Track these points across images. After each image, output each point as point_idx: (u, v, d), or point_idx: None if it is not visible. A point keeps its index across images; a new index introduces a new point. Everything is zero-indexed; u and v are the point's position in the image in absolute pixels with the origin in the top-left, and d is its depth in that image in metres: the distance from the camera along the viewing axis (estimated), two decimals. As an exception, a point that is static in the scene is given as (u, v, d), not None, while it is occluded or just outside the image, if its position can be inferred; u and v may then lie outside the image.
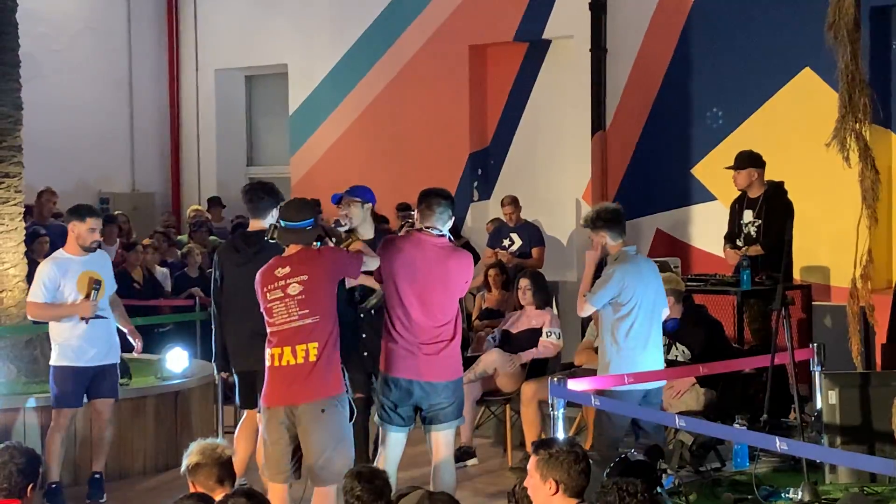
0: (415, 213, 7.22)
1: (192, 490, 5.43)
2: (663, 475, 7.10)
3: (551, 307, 10.08)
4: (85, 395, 8.58)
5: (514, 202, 12.79)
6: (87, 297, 8.40)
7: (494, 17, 14.12)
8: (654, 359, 7.77)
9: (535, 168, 14.19)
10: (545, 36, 13.88)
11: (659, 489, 6.85)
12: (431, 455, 7.15)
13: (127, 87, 16.99)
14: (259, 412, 7.03)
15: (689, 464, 7.94)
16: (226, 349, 7.96)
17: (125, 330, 8.88)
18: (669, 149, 12.94)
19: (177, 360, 9.74)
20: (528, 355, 9.51)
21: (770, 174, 10.51)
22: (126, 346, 10.30)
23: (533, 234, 12.81)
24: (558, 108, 13.93)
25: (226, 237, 13.34)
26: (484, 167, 14.59)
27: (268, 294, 6.55)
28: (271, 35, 16.18)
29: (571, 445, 4.93)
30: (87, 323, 8.40)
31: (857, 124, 8.57)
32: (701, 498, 7.31)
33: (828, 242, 11.31)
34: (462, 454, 9.20)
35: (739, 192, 10.47)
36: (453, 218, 7.22)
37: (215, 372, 8.29)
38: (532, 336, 9.60)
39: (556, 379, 7.15)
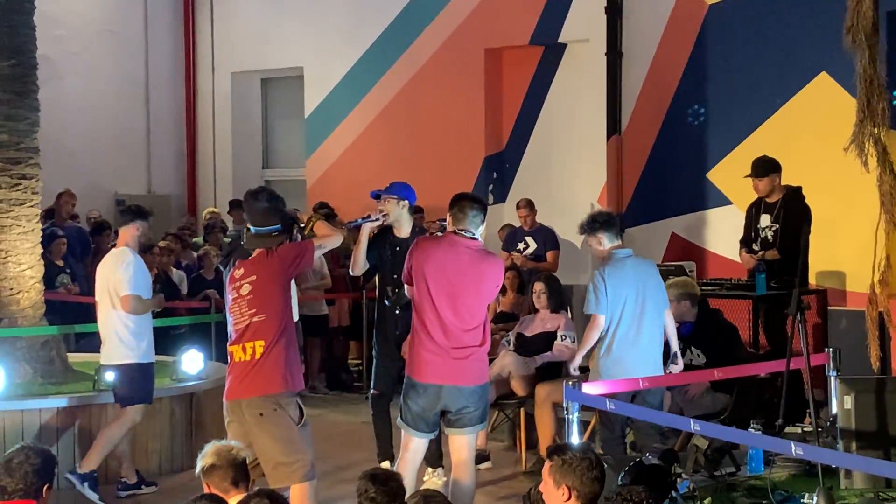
0: (446, 217, 7.23)
1: (206, 491, 5.44)
2: (678, 479, 7.10)
3: (566, 311, 10.07)
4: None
5: (529, 205, 12.79)
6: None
7: (510, 20, 14.12)
8: (644, 358, 7.83)
9: (550, 171, 14.18)
10: (561, 39, 13.88)
11: (674, 493, 6.84)
12: (452, 457, 7.16)
13: (143, 90, 17.04)
14: None
15: (703, 468, 7.94)
16: None
17: None
18: (685, 153, 12.91)
19: (192, 361, 9.76)
20: (542, 359, 9.51)
21: (785, 179, 10.51)
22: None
23: (548, 238, 12.81)
24: (574, 112, 13.92)
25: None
26: (499, 170, 14.59)
27: (229, 295, 6.84)
28: (287, 38, 16.21)
29: (585, 452, 4.92)
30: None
31: (876, 129, 8.54)
32: (716, 502, 7.31)
33: (843, 247, 11.27)
34: (476, 457, 9.19)
35: (757, 197, 10.46)
36: (485, 223, 7.23)
37: None
38: (546, 339, 9.60)
39: (570, 382, 7.15)
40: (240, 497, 5.16)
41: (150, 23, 17.05)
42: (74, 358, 10.44)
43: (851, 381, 7.89)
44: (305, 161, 16.24)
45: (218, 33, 17.10)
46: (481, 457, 9.24)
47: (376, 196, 8.44)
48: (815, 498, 7.00)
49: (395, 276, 8.24)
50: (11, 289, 9.69)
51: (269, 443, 6.60)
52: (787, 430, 8.54)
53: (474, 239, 7.08)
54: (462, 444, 7.10)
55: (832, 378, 8.02)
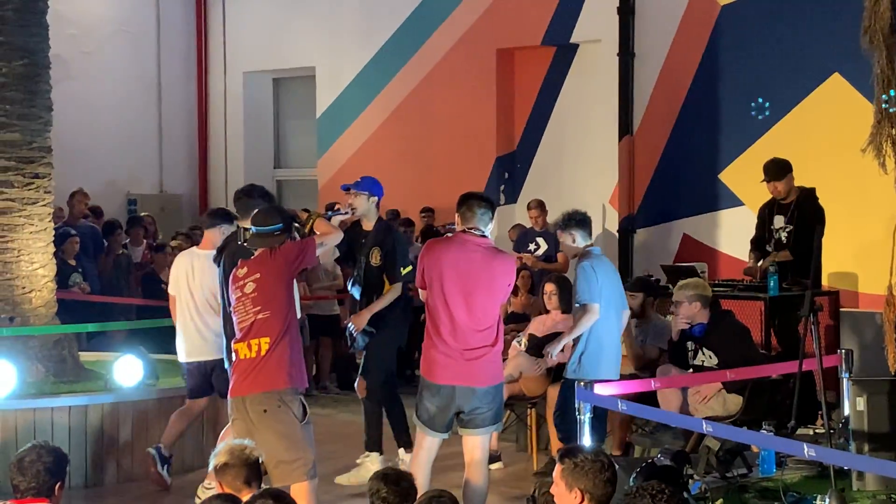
0: (455, 219, 7.28)
1: (219, 490, 5.45)
2: (690, 481, 7.09)
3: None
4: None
5: (540, 206, 12.78)
6: None
7: (522, 20, 14.11)
8: (616, 355, 8.21)
9: (561, 172, 14.17)
10: (573, 40, 13.87)
11: (685, 494, 6.83)
12: (465, 457, 7.17)
13: (156, 90, 17.07)
14: None
15: (715, 469, 7.91)
16: None
17: None
18: (697, 154, 12.90)
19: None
20: (552, 360, 9.50)
21: (797, 180, 10.48)
22: (156, 348, 10.41)
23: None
24: (585, 113, 13.91)
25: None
26: (511, 171, 14.59)
27: (233, 295, 6.92)
28: (299, 38, 16.22)
29: (597, 454, 4.92)
30: None
31: (894, 130, 8.51)
32: (727, 504, 7.29)
33: (856, 249, 11.25)
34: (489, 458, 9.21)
35: (769, 198, 10.44)
36: (493, 221, 7.29)
37: None
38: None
39: (582, 383, 7.14)
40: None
41: (162, 23, 17.08)
42: (86, 357, 10.47)
43: (864, 382, 7.86)
44: (317, 161, 16.26)
45: (230, 33, 17.12)
46: (492, 457, 9.22)
47: (346, 189, 8.75)
48: (827, 500, 6.97)
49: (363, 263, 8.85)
50: (24, 287, 9.71)
51: (273, 440, 6.63)
52: (800, 431, 8.51)
53: (485, 237, 7.12)
54: (475, 444, 7.11)
55: (845, 380, 7.99)
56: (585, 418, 6.97)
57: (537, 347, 9.65)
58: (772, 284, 9.95)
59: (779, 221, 10.34)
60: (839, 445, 7.65)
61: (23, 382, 9.11)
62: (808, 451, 5.94)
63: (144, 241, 14.19)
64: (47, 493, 5.32)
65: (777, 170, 10.37)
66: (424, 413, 7.10)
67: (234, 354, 6.91)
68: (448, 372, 6.99)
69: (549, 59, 14.28)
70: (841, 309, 10.63)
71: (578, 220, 8.20)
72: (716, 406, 8.65)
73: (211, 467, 5.55)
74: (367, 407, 9.01)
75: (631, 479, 6.41)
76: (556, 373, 9.50)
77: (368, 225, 9.03)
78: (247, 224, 7.61)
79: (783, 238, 10.32)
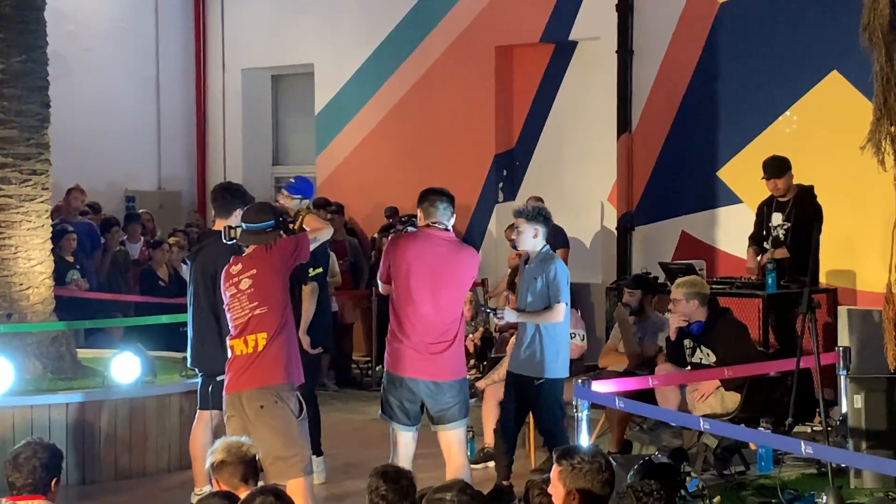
0: (417, 214, 7.39)
1: (216, 488, 5.44)
2: (687, 478, 7.09)
3: (575, 309, 10.06)
4: None
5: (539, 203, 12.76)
6: None
7: (521, 18, 14.10)
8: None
9: (560, 170, 14.16)
10: (572, 37, 13.86)
11: (683, 492, 6.84)
12: (444, 453, 7.28)
13: (154, 86, 17.05)
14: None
15: (713, 467, 7.93)
16: None
17: None
18: (695, 151, 12.89)
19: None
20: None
21: (797, 178, 10.49)
22: (153, 345, 10.41)
23: (557, 236, 12.76)
24: (584, 110, 13.90)
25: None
26: (509, 168, 14.58)
27: (227, 291, 6.89)
28: (298, 35, 16.21)
29: (594, 455, 4.90)
30: None
31: (893, 127, 8.50)
32: (725, 501, 7.29)
33: (854, 246, 11.25)
34: (485, 456, 9.21)
35: (768, 195, 10.44)
36: (454, 216, 7.39)
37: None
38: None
39: (580, 380, 7.15)
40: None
41: (161, 19, 17.07)
42: (84, 354, 10.45)
43: (862, 380, 7.87)
44: (315, 158, 16.25)
45: (229, 30, 17.11)
46: (490, 455, 9.24)
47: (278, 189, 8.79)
48: (824, 497, 6.98)
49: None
50: (21, 284, 9.69)
51: (269, 436, 6.62)
52: (797, 429, 8.52)
53: (448, 231, 7.25)
54: (450, 439, 7.25)
55: (842, 377, 8.00)
56: (583, 416, 6.98)
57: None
58: (770, 282, 9.95)
59: (777, 219, 10.34)
60: (837, 443, 7.67)
61: (20, 379, 9.10)
62: (806, 449, 5.95)
63: (142, 237, 14.18)
64: (43, 489, 5.33)
65: (776, 167, 10.38)
66: (389, 408, 7.23)
67: (229, 351, 6.89)
68: (413, 365, 7.12)
69: (548, 57, 14.27)
70: (839, 306, 10.62)
71: (546, 217, 8.05)
72: (714, 403, 8.65)
73: (207, 465, 5.53)
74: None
75: (629, 477, 6.41)
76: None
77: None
78: (228, 222, 7.60)
79: (781, 235, 10.32)
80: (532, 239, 7.98)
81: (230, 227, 7.03)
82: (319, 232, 7.29)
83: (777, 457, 8.17)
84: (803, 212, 10.22)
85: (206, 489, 6.67)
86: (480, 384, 9.94)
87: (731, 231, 12.33)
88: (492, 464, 9.20)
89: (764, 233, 10.53)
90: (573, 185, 13.95)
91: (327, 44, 15.92)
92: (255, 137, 17.25)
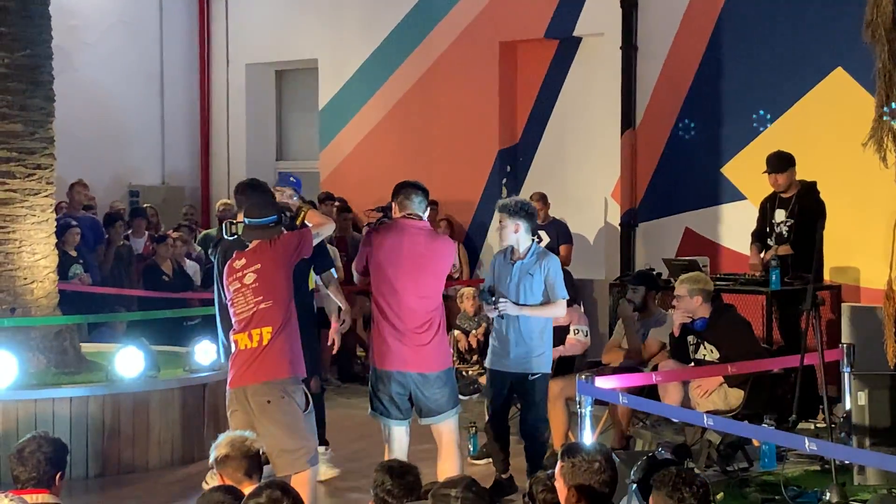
0: (393, 206, 7.51)
1: (219, 482, 5.44)
2: (690, 474, 7.06)
3: (578, 305, 10.06)
4: None
5: (542, 199, 12.77)
6: None
7: (525, 13, 14.09)
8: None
9: (564, 165, 14.16)
10: (576, 33, 13.85)
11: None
12: (437, 445, 7.40)
13: (158, 81, 17.05)
14: None
15: (716, 463, 7.93)
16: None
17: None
18: (699, 147, 12.88)
19: (205, 352, 9.77)
20: (554, 352, 9.50)
21: (800, 174, 10.49)
22: (157, 340, 10.40)
23: (561, 232, 12.80)
24: (588, 106, 13.89)
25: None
26: (513, 164, 14.57)
27: (230, 286, 6.94)
28: (302, 30, 16.21)
29: (595, 454, 4.89)
30: None
31: (894, 124, 8.51)
32: (728, 498, 7.30)
33: (858, 243, 11.24)
34: (488, 451, 9.21)
35: (771, 192, 10.43)
36: (429, 209, 7.61)
37: None
38: (559, 333, 9.57)
39: (583, 377, 7.15)
40: (253, 488, 5.16)
41: (164, 14, 17.06)
42: (88, 348, 10.47)
43: (865, 377, 7.87)
44: (319, 153, 16.24)
45: (232, 25, 17.10)
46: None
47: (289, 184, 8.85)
48: (828, 494, 6.99)
49: None
50: (26, 278, 9.70)
51: (275, 430, 6.67)
52: (801, 425, 8.52)
53: (422, 220, 7.40)
54: (441, 431, 7.35)
55: (846, 374, 8.00)
56: (586, 412, 6.99)
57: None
58: (773, 278, 9.95)
59: (779, 215, 10.35)
60: (840, 440, 7.67)
61: (24, 373, 9.11)
62: (809, 446, 5.95)
63: (147, 232, 14.20)
64: (47, 483, 5.33)
65: (779, 162, 10.37)
66: (380, 404, 7.33)
67: (233, 345, 6.93)
68: (400, 357, 7.22)
69: (552, 53, 14.26)
70: (843, 303, 10.63)
71: (529, 213, 8.10)
72: (717, 400, 8.65)
73: (211, 459, 5.54)
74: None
75: (632, 473, 6.41)
76: (557, 367, 9.50)
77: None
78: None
79: (784, 232, 10.32)
80: (513, 234, 8.04)
81: (231, 223, 7.07)
82: (322, 227, 7.39)
83: (780, 453, 8.18)
84: (806, 208, 10.22)
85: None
86: (483, 380, 9.94)
87: (735, 228, 12.32)
88: (496, 460, 9.22)
89: (767, 229, 10.53)
90: (577, 181, 13.95)
91: (331, 39, 15.91)
92: (258, 133, 17.25)
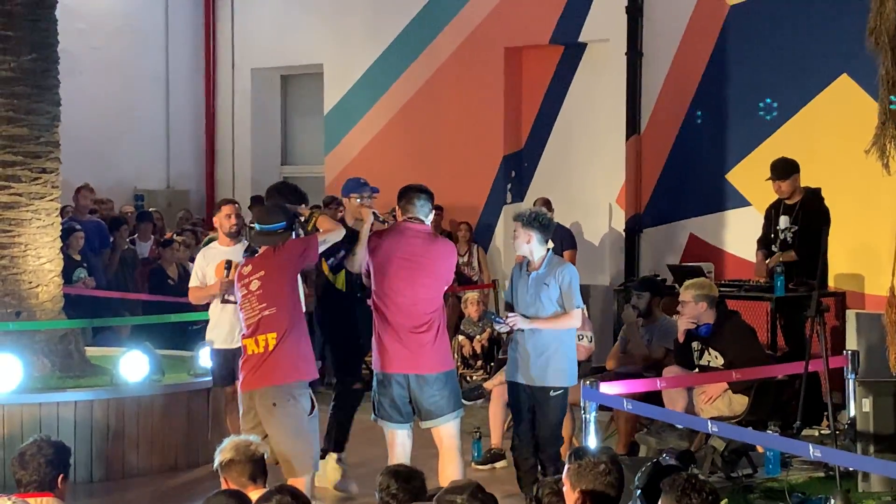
0: (396, 210, 7.56)
1: (224, 486, 5.44)
2: (694, 480, 7.06)
3: (583, 310, 10.04)
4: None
5: (547, 205, 12.74)
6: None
7: (530, 19, 14.10)
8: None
9: (568, 171, 14.16)
10: (581, 39, 13.86)
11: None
12: (438, 448, 7.37)
13: (164, 85, 17.07)
14: None
15: (720, 469, 7.92)
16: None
17: None
18: (704, 154, 12.89)
19: (209, 357, 9.76)
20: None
21: (805, 181, 10.48)
22: (161, 344, 10.39)
23: (565, 238, 12.77)
24: (593, 112, 13.90)
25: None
26: (518, 169, 14.58)
27: (238, 292, 7.07)
28: (307, 35, 16.23)
29: (601, 457, 4.88)
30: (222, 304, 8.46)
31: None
32: (732, 504, 7.29)
33: (862, 250, 11.23)
34: (493, 456, 9.22)
35: (776, 198, 10.43)
36: (433, 212, 7.63)
37: None
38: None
39: (588, 382, 7.15)
40: (258, 493, 5.16)
41: (170, 18, 17.09)
42: (92, 352, 10.48)
43: (870, 383, 7.87)
44: (324, 158, 16.26)
45: (238, 30, 17.13)
46: (498, 455, 9.25)
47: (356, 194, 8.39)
48: (832, 501, 6.98)
49: None
50: (31, 282, 9.71)
51: (280, 434, 6.78)
52: (805, 432, 8.52)
53: (424, 224, 7.44)
54: (441, 434, 7.34)
55: (850, 381, 8.00)
56: (591, 417, 6.99)
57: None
58: (778, 285, 9.95)
59: (784, 222, 10.34)
60: (844, 446, 7.66)
61: (29, 377, 9.11)
62: (814, 452, 5.95)
63: (152, 236, 14.21)
64: (50, 486, 5.33)
65: (783, 169, 10.37)
66: (382, 408, 7.34)
67: (243, 350, 7.04)
68: (399, 358, 7.24)
69: (557, 59, 14.27)
70: (847, 310, 10.62)
71: (542, 224, 7.80)
72: (721, 406, 8.64)
73: (216, 464, 5.54)
74: None
75: (636, 479, 6.41)
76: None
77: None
78: None
79: (788, 239, 10.32)
80: (525, 245, 7.79)
81: (249, 228, 7.16)
82: (331, 234, 7.41)
83: (785, 460, 8.17)
84: (810, 215, 10.21)
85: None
86: (488, 385, 9.95)
87: (740, 234, 12.32)
88: (499, 465, 9.22)
89: (772, 236, 10.52)
90: (581, 186, 13.95)
91: (336, 44, 15.93)
92: (263, 137, 17.27)
